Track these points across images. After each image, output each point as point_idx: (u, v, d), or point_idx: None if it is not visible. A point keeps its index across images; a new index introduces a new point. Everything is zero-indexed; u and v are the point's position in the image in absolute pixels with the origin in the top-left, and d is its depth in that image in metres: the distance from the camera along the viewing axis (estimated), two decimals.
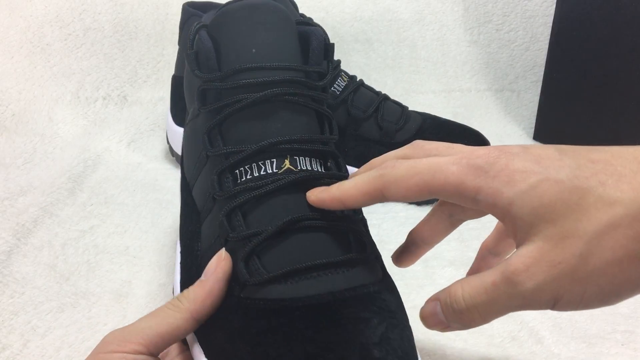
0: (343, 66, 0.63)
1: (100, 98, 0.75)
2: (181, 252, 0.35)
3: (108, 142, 0.69)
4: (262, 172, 0.30)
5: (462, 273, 0.46)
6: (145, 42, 0.78)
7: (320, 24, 0.77)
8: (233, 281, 0.28)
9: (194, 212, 0.34)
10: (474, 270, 0.35)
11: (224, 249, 0.29)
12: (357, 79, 0.61)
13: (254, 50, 0.32)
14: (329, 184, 0.30)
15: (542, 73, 0.72)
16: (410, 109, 0.63)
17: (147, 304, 0.42)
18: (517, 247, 0.24)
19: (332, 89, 0.59)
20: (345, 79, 0.60)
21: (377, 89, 0.63)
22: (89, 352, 0.26)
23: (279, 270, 0.27)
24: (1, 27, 0.74)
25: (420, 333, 0.40)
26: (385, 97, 0.62)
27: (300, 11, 0.60)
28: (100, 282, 0.45)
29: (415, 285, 0.45)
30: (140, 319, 0.27)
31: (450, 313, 0.25)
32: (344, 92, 0.59)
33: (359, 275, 0.28)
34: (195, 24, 0.33)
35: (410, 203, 0.58)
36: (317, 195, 0.29)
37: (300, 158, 0.31)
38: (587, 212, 0.22)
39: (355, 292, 0.27)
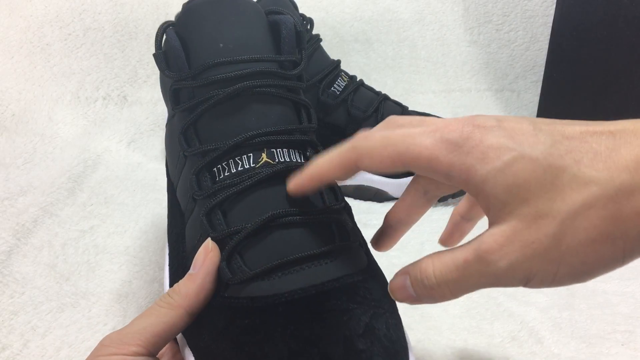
0: (343, 66, 0.63)
1: (100, 98, 0.75)
2: (169, 255, 0.35)
3: (108, 142, 0.69)
4: (239, 168, 0.30)
5: None
6: (145, 42, 0.78)
7: (320, 24, 0.76)
8: (217, 280, 0.28)
9: (179, 214, 0.34)
10: (446, 235, 0.35)
11: (209, 239, 0.29)
12: (357, 79, 0.61)
13: (221, 44, 0.31)
14: None
15: (542, 73, 0.72)
16: (410, 109, 0.63)
17: (147, 304, 0.42)
18: (490, 224, 0.24)
19: (332, 89, 0.59)
20: (345, 79, 0.60)
21: (377, 89, 0.63)
22: (89, 352, 0.26)
23: (260, 267, 0.27)
24: (1, 27, 0.74)
25: (420, 333, 0.40)
26: (385, 97, 0.62)
27: (300, 11, 0.61)
28: (100, 282, 0.45)
29: None
30: (135, 320, 0.27)
31: (420, 288, 0.25)
32: (344, 92, 0.59)
33: (343, 265, 0.28)
34: (162, 23, 0.33)
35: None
36: (295, 182, 0.29)
37: (278, 150, 0.30)
38: (561, 191, 0.21)
39: (338, 283, 0.27)
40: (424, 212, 0.32)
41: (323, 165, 0.28)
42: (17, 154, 0.65)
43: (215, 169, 0.30)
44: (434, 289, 0.24)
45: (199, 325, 0.28)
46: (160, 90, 0.83)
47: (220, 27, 0.32)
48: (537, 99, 0.76)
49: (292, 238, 0.28)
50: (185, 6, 0.34)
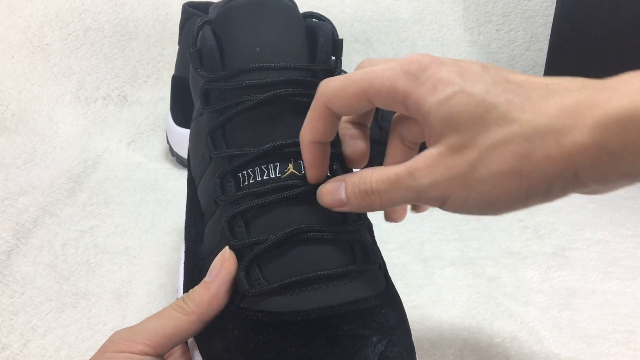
0: (343, 66, 0.63)
1: (100, 98, 0.75)
2: (185, 253, 0.34)
3: (108, 142, 0.69)
4: (265, 177, 0.29)
5: (462, 273, 0.47)
6: (145, 42, 0.78)
7: None
8: (233, 290, 0.28)
9: (198, 212, 0.34)
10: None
11: (227, 247, 0.29)
12: None
13: (257, 49, 0.31)
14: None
15: (542, 73, 0.72)
16: None
17: (147, 304, 0.42)
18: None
19: None
20: None
21: None
22: (89, 352, 0.27)
23: (278, 282, 0.27)
24: (1, 27, 0.74)
25: (420, 333, 0.40)
26: None
27: (300, 11, 0.60)
28: (100, 282, 0.45)
29: (415, 285, 0.45)
30: (147, 320, 0.27)
31: (354, 192, 0.27)
32: None
33: (361, 288, 0.28)
34: (199, 19, 0.33)
35: None
36: (304, 164, 0.29)
37: None
38: (488, 126, 0.23)
39: (355, 307, 0.27)
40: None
41: (304, 127, 0.29)
42: (17, 154, 0.65)
43: (240, 174, 0.30)
44: (367, 194, 0.26)
45: (212, 333, 0.28)
46: (160, 90, 0.83)
47: (258, 30, 0.31)
48: None
49: (312, 255, 0.28)
50: (224, 5, 0.33)
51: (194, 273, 0.32)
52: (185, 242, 0.35)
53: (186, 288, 0.33)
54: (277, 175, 0.29)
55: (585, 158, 0.21)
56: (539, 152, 0.22)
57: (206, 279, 0.28)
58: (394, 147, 0.32)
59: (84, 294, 0.43)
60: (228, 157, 0.31)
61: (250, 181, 0.30)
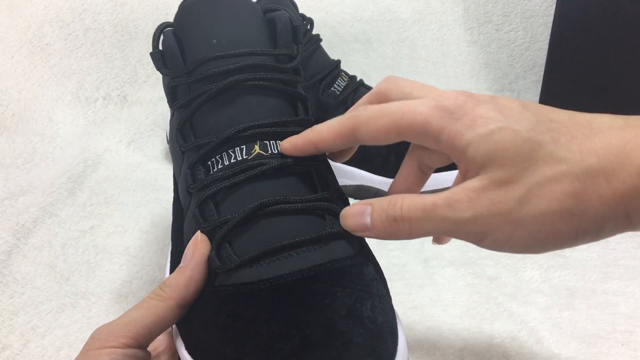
0: (343, 66, 0.63)
1: (100, 98, 0.75)
2: (171, 253, 0.35)
3: (108, 142, 0.69)
4: (232, 160, 0.30)
5: (462, 273, 0.47)
6: (145, 42, 0.78)
7: (320, 24, 0.76)
8: (209, 272, 0.28)
9: (179, 210, 0.35)
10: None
11: (199, 231, 0.29)
12: (357, 79, 0.61)
13: (214, 40, 0.32)
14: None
15: (542, 73, 0.72)
16: None
17: None
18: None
19: (332, 89, 0.59)
20: (345, 79, 0.60)
21: None
22: None
23: (248, 254, 0.27)
24: (1, 27, 0.74)
25: (420, 333, 0.40)
26: None
27: (300, 11, 0.60)
28: (100, 282, 0.45)
29: (415, 286, 0.45)
30: (126, 312, 0.27)
31: (382, 218, 0.26)
32: (344, 92, 0.59)
33: (332, 251, 0.28)
34: (159, 25, 0.34)
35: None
36: (290, 142, 0.30)
37: (271, 142, 0.31)
38: (535, 163, 0.23)
39: (325, 268, 0.27)
40: (422, 184, 0.33)
41: (322, 131, 0.29)
42: (17, 154, 0.65)
43: (209, 162, 0.31)
44: (396, 221, 0.26)
45: (190, 316, 0.28)
46: (160, 90, 0.83)
47: (213, 24, 0.32)
48: (537, 99, 0.76)
49: (282, 226, 0.28)
50: (180, 6, 0.34)
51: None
52: (172, 243, 0.35)
53: None
54: (244, 157, 0.30)
55: (637, 199, 0.21)
56: (591, 192, 0.22)
57: (181, 264, 0.28)
58: (407, 170, 0.32)
59: (84, 294, 0.43)
60: (196, 147, 0.31)
61: (219, 167, 0.30)
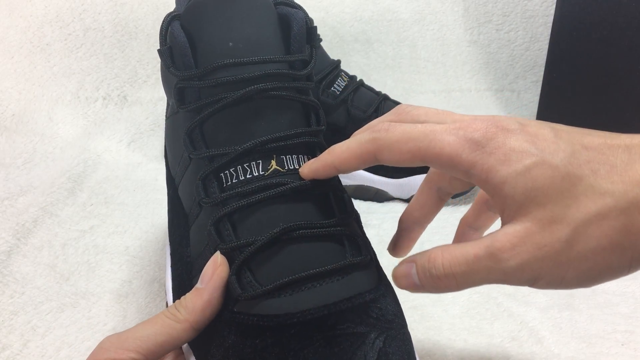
0: (343, 66, 0.63)
1: (100, 98, 0.75)
2: (171, 255, 0.34)
3: (108, 142, 0.69)
4: (248, 175, 0.29)
5: None
6: (145, 42, 0.78)
7: (320, 24, 0.76)
8: (226, 294, 0.27)
9: (182, 214, 0.33)
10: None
11: (219, 252, 0.28)
12: (357, 79, 0.61)
13: (230, 43, 0.30)
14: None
15: (542, 73, 0.72)
16: None
17: (147, 304, 0.42)
18: (504, 224, 0.24)
19: (332, 89, 0.59)
20: (345, 79, 0.60)
21: (377, 89, 0.63)
22: (89, 352, 0.26)
23: (271, 284, 0.26)
24: (1, 27, 0.74)
25: (420, 333, 0.40)
26: (385, 97, 0.62)
27: None
28: (100, 282, 0.45)
29: None
30: (138, 326, 0.27)
31: (426, 277, 0.25)
32: (344, 92, 0.59)
33: (355, 283, 0.27)
34: (166, 15, 0.32)
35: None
36: (310, 167, 0.29)
37: (287, 157, 0.29)
38: (577, 199, 0.22)
39: (350, 303, 0.26)
40: (437, 210, 0.32)
41: (341, 154, 0.28)
42: (17, 154, 0.65)
43: (222, 174, 0.29)
44: (440, 279, 0.25)
45: (207, 339, 0.27)
46: (160, 90, 0.83)
47: (229, 24, 0.30)
48: (537, 99, 0.76)
49: (303, 253, 0.27)
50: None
51: (183, 277, 0.32)
52: (170, 245, 0.34)
53: (175, 292, 0.32)
54: (261, 173, 0.29)
55: None
56: (639, 225, 0.21)
57: (198, 285, 0.27)
58: (425, 196, 0.31)
59: (84, 294, 0.43)
60: (208, 158, 0.30)
61: (234, 181, 0.29)
